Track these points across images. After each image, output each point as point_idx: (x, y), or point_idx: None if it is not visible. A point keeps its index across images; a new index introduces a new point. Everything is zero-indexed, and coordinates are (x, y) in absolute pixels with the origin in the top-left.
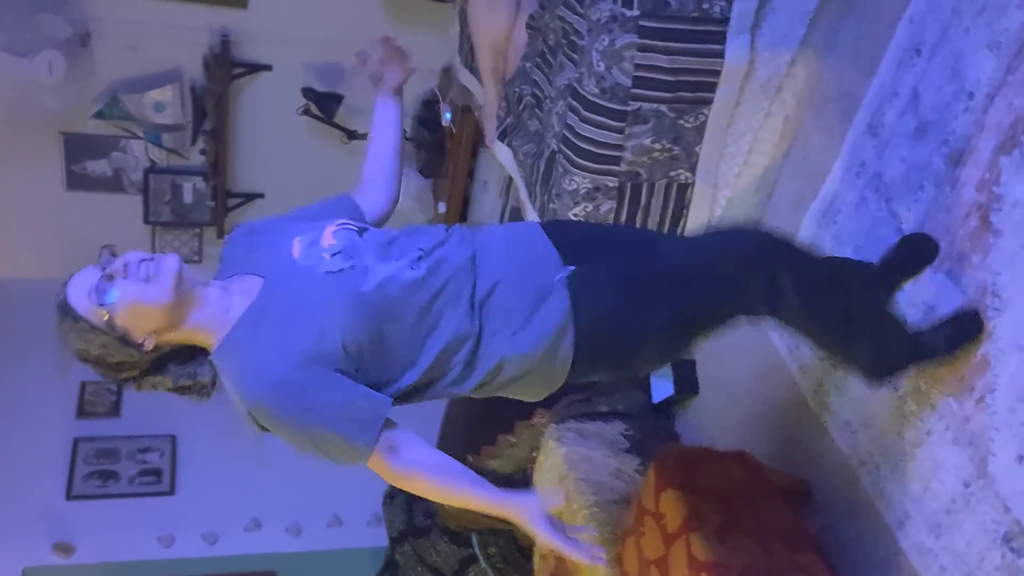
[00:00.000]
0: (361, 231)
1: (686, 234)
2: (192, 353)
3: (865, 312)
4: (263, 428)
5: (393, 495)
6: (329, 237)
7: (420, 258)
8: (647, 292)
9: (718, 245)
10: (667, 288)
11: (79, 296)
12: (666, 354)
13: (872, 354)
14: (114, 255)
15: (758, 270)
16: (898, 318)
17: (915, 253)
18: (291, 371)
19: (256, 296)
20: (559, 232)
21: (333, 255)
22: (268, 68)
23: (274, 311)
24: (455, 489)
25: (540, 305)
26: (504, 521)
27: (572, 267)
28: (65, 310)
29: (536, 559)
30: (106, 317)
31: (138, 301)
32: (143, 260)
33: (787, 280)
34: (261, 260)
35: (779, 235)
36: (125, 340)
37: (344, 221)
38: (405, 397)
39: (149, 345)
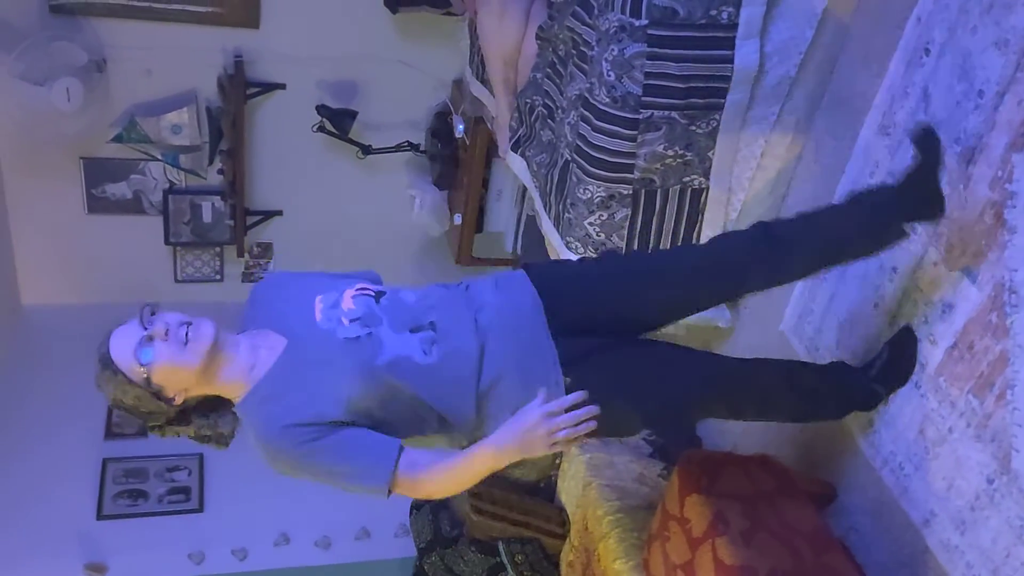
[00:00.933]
0: (378, 296)
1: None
2: (215, 404)
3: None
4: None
5: (419, 506)
6: (348, 301)
7: (433, 342)
8: (629, 399)
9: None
10: (648, 398)
11: (121, 352)
12: (639, 433)
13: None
14: (154, 313)
15: (720, 400)
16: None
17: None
18: (309, 423)
19: (280, 354)
20: (554, 299)
21: (352, 321)
22: (282, 87)
23: (296, 371)
24: (457, 483)
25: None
26: (531, 528)
27: (568, 379)
28: (106, 363)
29: (563, 566)
30: (144, 375)
31: (175, 363)
32: (183, 322)
33: (750, 411)
34: (286, 318)
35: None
36: (158, 395)
37: (363, 286)
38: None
39: (179, 400)
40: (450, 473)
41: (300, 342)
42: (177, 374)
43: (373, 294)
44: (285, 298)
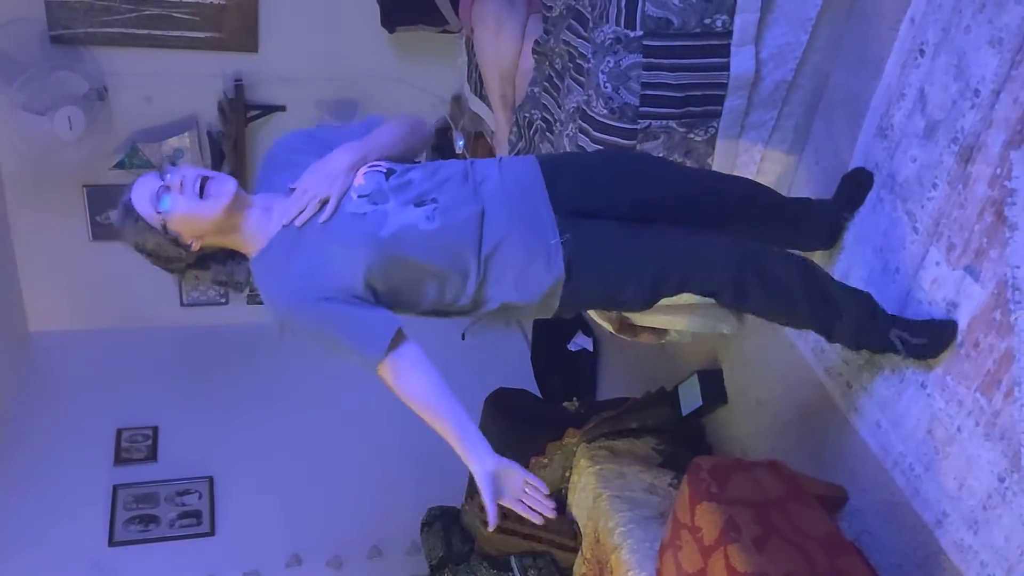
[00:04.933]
0: (388, 173)
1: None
2: (231, 255)
3: (826, 304)
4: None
5: (430, 523)
6: (360, 177)
7: (436, 212)
8: (628, 262)
9: (701, 239)
10: (646, 259)
11: (141, 199)
12: (646, 303)
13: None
14: (174, 164)
15: (729, 262)
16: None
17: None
18: (316, 292)
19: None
20: (558, 183)
21: (360, 196)
22: (282, 109)
23: (304, 240)
24: (438, 426)
25: (538, 263)
26: (543, 542)
27: (567, 236)
28: (128, 209)
29: None
30: (161, 222)
31: (190, 214)
32: (199, 176)
33: (752, 279)
34: None
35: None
36: (176, 242)
37: (375, 163)
38: (422, 314)
39: (195, 247)
40: (433, 409)
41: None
42: (192, 223)
43: (384, 171)
44: (301, 165)
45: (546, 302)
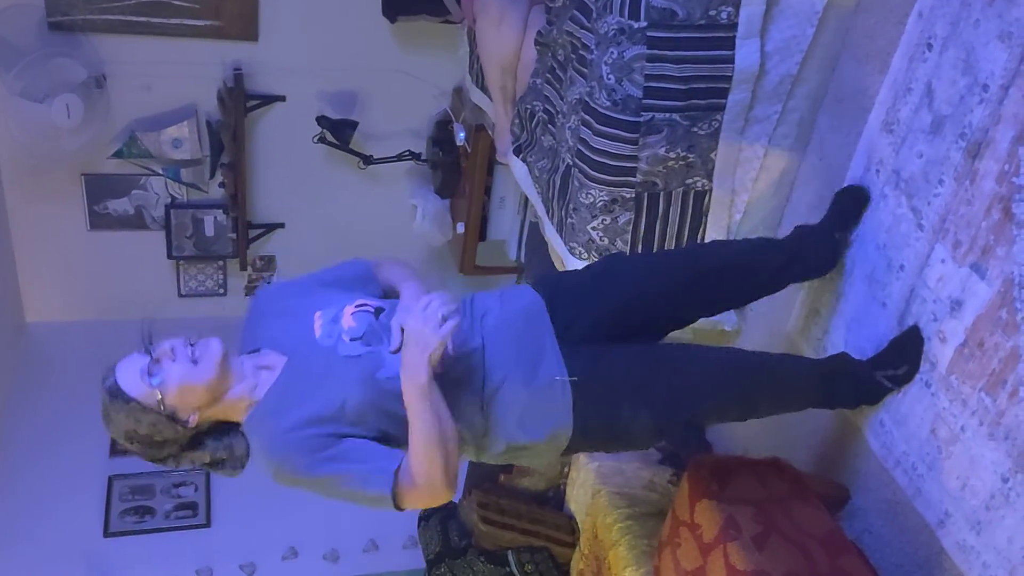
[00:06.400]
0: (377, 312)
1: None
2: (226, 428)
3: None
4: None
5: (428, 517)
6: (348, 318)
7: None
8: (638, 399)
9: (712, 362)
10: (657, 397)
11: (130, 379)
12: (652, 442)
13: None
14: (150, 340)
15: (737, 395)
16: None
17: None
18: (312, 434)
19: (280, 372)
20: (560, 308)
21: (352, 339)
22: (282, 99)
23: (297, 387)
24: (428, 440)
25: (544, 405)
26: (540, 537)
27: (574, 378)
28: (116, 393)
29: (573, 574)
30: (158, 396)
31: (187, 381)
32: (186, 344)
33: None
34: (286, 335)
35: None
36: (173, 417)
37: (362, 302)
38: None
39: (193, 422)
40: (417, 443)
41: (300, 359)
42: (190, 393)
43: (373, 310)
44: (284, 313)
45: (552, 442)
